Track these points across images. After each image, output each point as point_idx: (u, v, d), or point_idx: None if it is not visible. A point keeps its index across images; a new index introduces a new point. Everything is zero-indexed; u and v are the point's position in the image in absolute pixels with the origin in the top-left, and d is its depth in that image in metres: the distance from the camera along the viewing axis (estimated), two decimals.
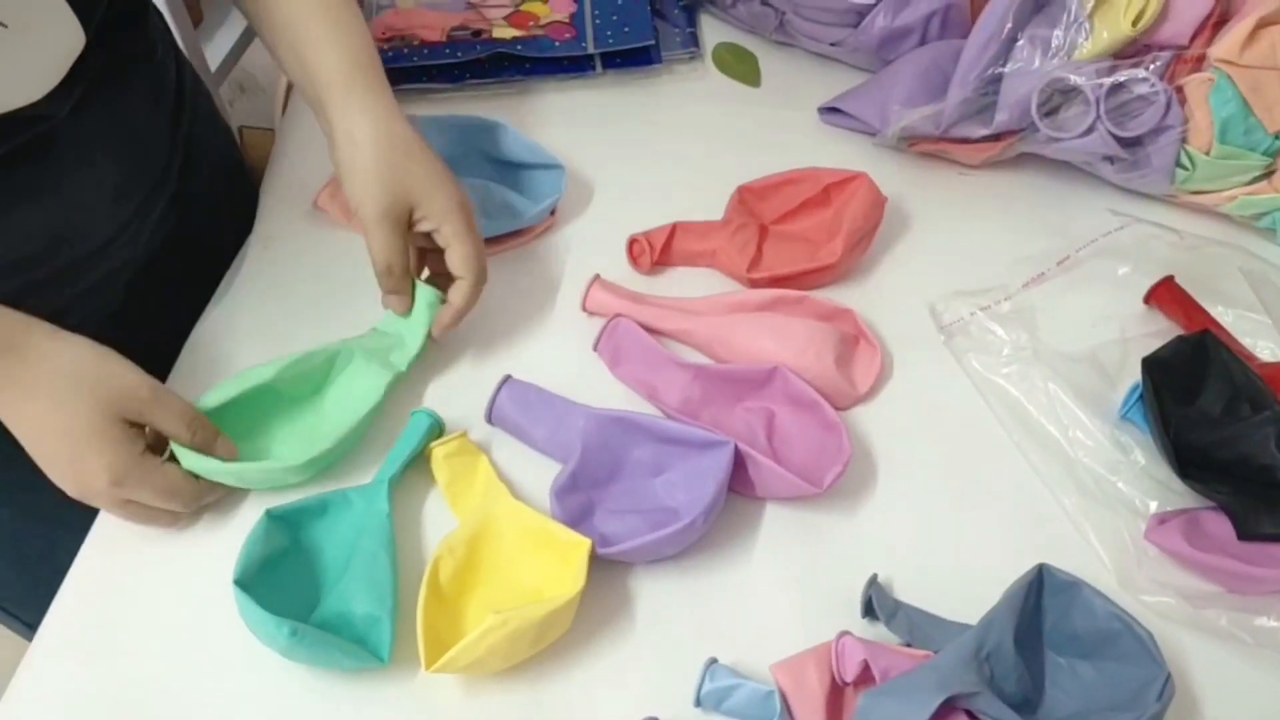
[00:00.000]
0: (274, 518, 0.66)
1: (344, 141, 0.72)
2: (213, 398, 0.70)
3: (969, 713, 0.57)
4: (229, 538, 0.68)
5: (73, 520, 0.70)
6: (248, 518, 0.68)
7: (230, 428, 0.70)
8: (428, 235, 0.74)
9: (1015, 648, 0.60)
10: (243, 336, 0.79)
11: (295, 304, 0.81)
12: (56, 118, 0.69)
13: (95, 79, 0.71)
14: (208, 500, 0.70)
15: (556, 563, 0.65)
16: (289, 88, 1.05)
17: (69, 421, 0.63)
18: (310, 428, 0.73)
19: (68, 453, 0.64)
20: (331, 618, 0.64)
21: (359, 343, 0.75)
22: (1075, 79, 0.83)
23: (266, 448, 0.72)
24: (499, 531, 0.67)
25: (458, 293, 0.74)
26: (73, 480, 0.65)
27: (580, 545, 0.64)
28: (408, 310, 0.75)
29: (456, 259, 0.73)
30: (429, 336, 0.75)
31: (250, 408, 0.71)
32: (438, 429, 0.73)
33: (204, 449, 0.67)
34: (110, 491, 0.65)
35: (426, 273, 0.78)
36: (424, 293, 0.76)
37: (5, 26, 0.62)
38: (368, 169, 0.71)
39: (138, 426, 0.66)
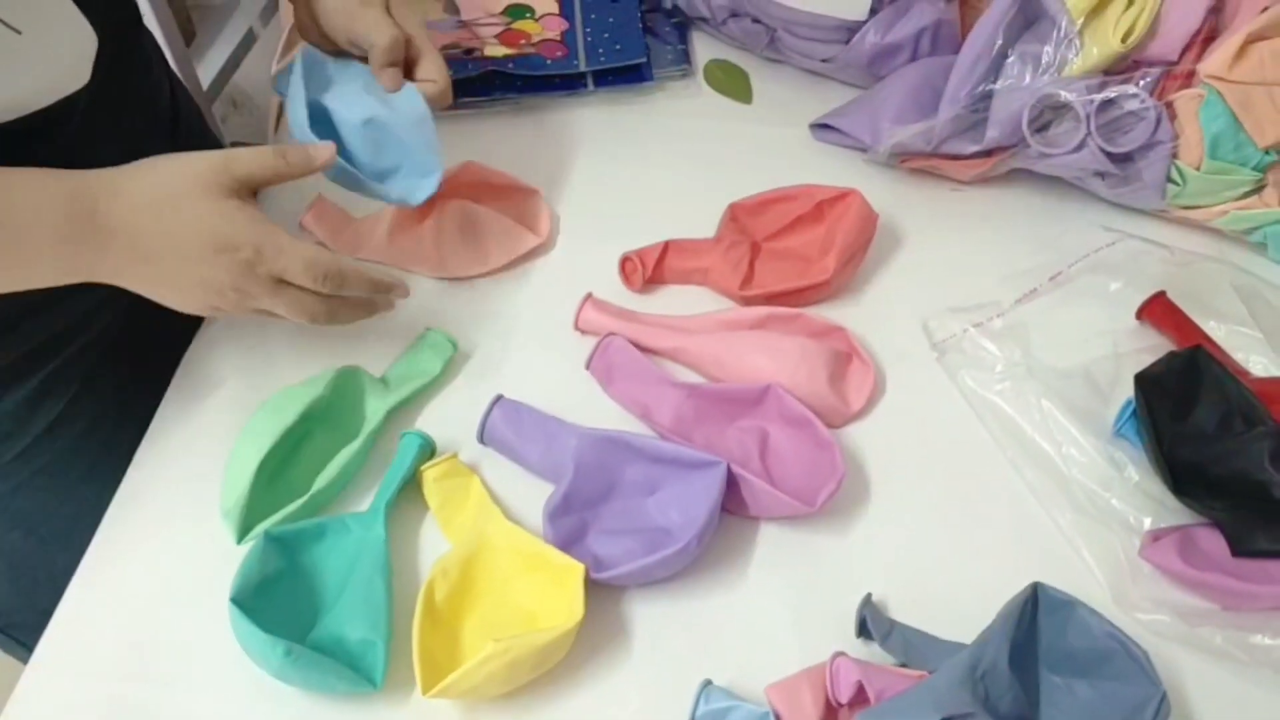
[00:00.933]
0: (272, 539, 0.65)
1: None
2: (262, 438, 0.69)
3: None
4: (224, 558, 0.67)
5: (77, 543, 0.70)
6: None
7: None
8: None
9: (1010, 667, 0.60)
10: (236, 357, 0.79)
11: (288, 323, 0.81)
12: (72, 127, 0.69)
13: (102, 88, 0.71)
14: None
15: (551, 586, 0.65)
16: (280, 105, 1.05)
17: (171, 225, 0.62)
18: (316, 452, 0.73)
19: (187, 259, 0.63)
20: (326, 641, 0.64)
21: (367, 377, 0.76)
22: (1066, 95, 0.83)
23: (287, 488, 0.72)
24: (492, 554, 0.67)
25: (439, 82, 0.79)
26: (199, 285, 0.64)
27: (574, 569, 0.64)
28: (399, 85, 0.78)
29: (432, 66, 0.79)
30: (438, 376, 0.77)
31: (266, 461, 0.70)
32: (429, 450, 0.73)
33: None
34: (241, 282, 0.63)
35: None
36: (434, 336, 0.77)
37: (19, 32, 0.63)
38: None
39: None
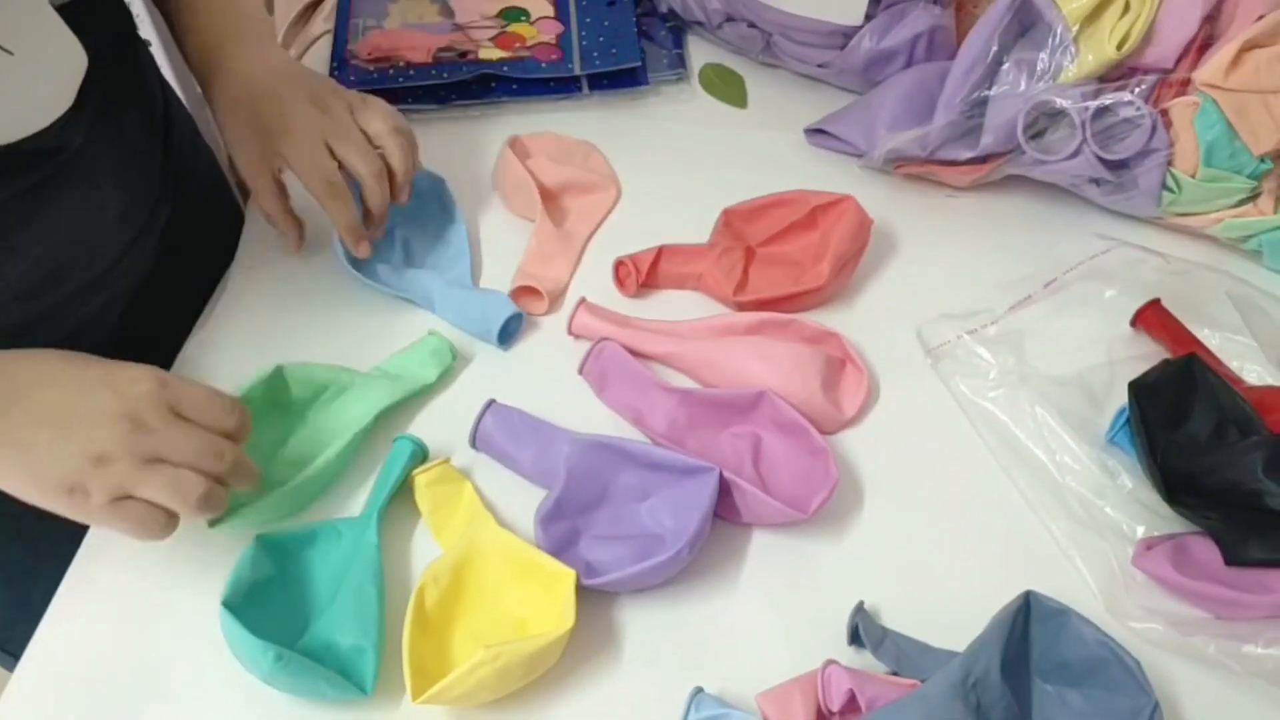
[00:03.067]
0: (264, 544, 0.65)
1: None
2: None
3: None
4: (213, 567, 0.67)
5: (60, 550, 0.69)
6: (230, 544, 0.67)
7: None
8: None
9: (1002, 676, 0.59)
10: (228, 359, 0.79)
11: (280, 324, 0.81)
12: (70, 146, 0.68)
13: (97, 104, 0.71)
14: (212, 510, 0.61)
15: (542, 593, 0.65)
16: None
17: (57, 403, 0.58)
18: (298, 446, 0.73)
19: (52, 434, 0.57)
20: (316, 647, 0.64)
21: (358, 375, 0.75)
22: (1061, 102, 0.83)
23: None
24: (483, 560, 0.67)
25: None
26: (56, 471, 0.57)
27: (565, 576, 0.64)
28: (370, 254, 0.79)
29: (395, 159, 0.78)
30: (431, 384, 0.77)
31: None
32: (421, 455, 0.72)
33: (244, 432, 0.62)
34: (105, 474, 0.57)
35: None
36: (434, 341, 0.77)
37: (11, 54, 0.61)
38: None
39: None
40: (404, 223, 0.86)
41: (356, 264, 0.80)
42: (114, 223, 0.76)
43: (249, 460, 0.62)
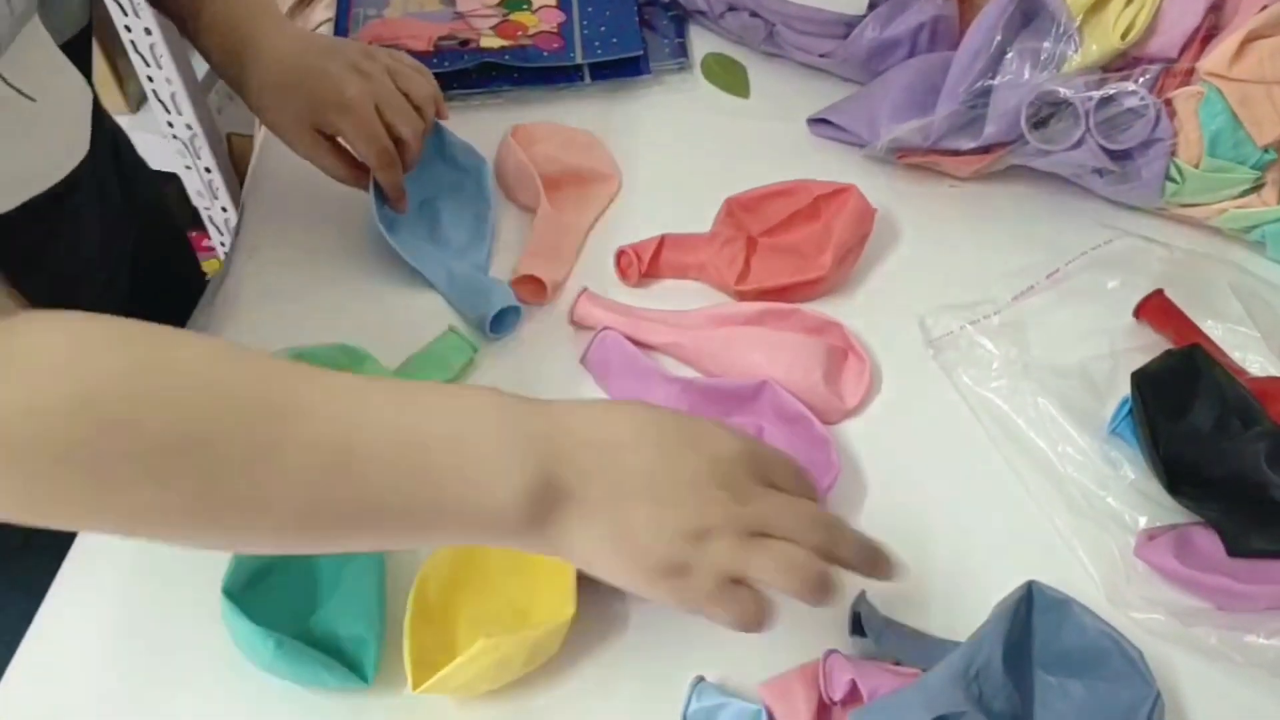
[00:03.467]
0: None
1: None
2: None
3: None
4: (211, 555, 0.67)
5: (26, 580, 0.68)
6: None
7: None
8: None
9: (1004, 666, 0.59)
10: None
11: (282, 313, 0.81)
12: (78, 189, 0.67)
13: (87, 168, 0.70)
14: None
15: (543, 582, 0.64)
16: None
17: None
18: None
19: (647, 507, 0.49)
20: (318, 635, 0.64)
21: (379, 367, 0.76)
22: (1064, 92, 0.82)
23: None
24: (484, 550, 0.67)
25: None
26: (657, 550, 0.49)
27: (566, 566, 0.64)
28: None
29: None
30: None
31: None
32: None
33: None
34: (711, 552, 0.49)
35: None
36: (453, 339, 0.77)
37: (34, 100, 0.60)
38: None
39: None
40: (443, 194, 0.87)
41: (389, 226, 0.81)
42: (94, 265, 0.75)
43: (867, 540, 0.53)
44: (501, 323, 0.79)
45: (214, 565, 0.63)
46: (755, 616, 0.50)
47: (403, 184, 0.80)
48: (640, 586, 0.50)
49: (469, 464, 0.48)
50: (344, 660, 0.62)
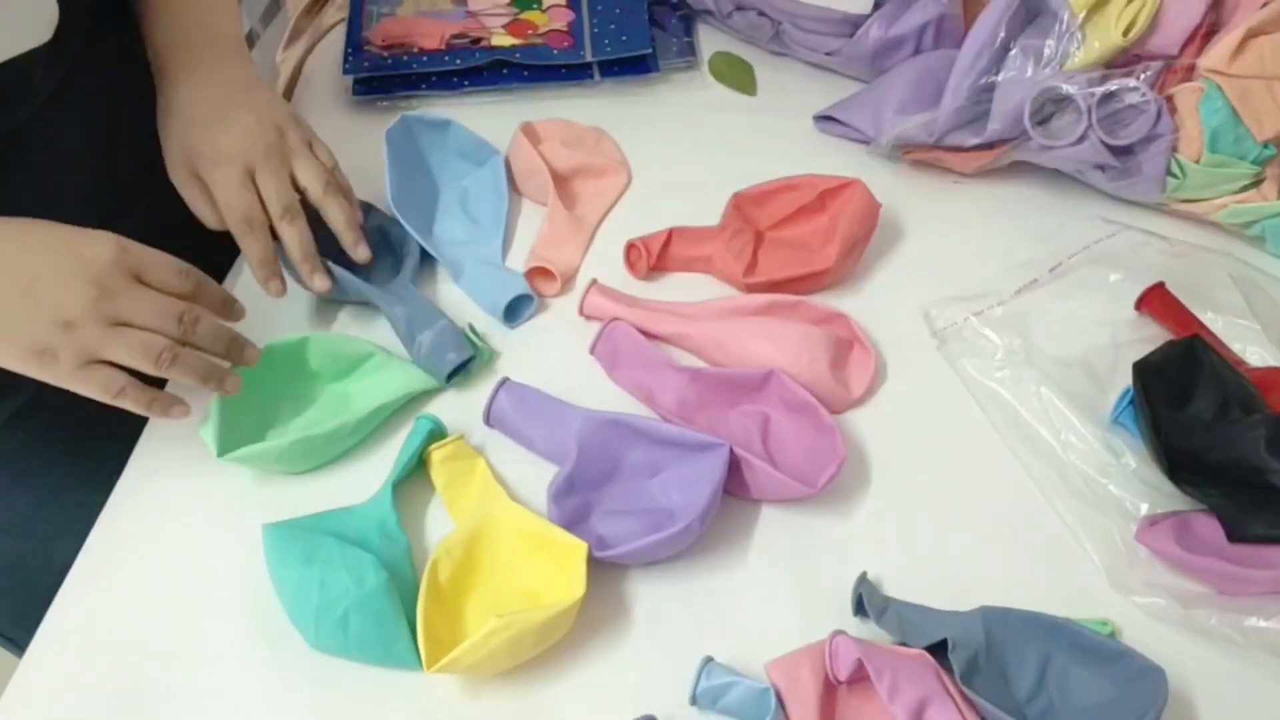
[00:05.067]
0: (279, 534, 0.66)
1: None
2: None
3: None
4: (228, 541, 0.69)
5: (45, 531, 0.70)
6: (245, 520, 0.69)
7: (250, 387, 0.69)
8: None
9: (1022, 622, 0.62)
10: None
11: (287, 313, 0.81)
12: (38, 94, 0.67)
13: (75, 69, 0.70)
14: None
15: (554, 565, 0.66)
16: (283, 92, 1.05)
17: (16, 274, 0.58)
18: (325, 408, 0.75)
19: (18, 300, 0.58)
20: None
21: (396, 359, 0.77)
22: (1067, 88, 0.84)
23: (275, 419, 0.74)
24: (496, 533, 0.68)
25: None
26: (25, 336, 0.58)
27: (577, 548, 0.65)
28: (284, 293, 0.75)
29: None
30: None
31: (273, 371, 0.73)
32: (439, 434, 0.73)
33: (202, 299, 0.64)
34: (72, 339, 0.58)
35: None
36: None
37: None
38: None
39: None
40: (459, 187, 0.89)
41: (408, 215, 0.82)
42: (86, 193, 0.75)
43: (221, 325, 0.64)
44: (515, 312, 0.80)
45: (227, 550, 0.64)
46: (117, 389, 0.60)
47: (270, 254, 0.73)
48: (12, 365, 0.59)
49: None
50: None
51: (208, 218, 0.74)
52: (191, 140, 0.73)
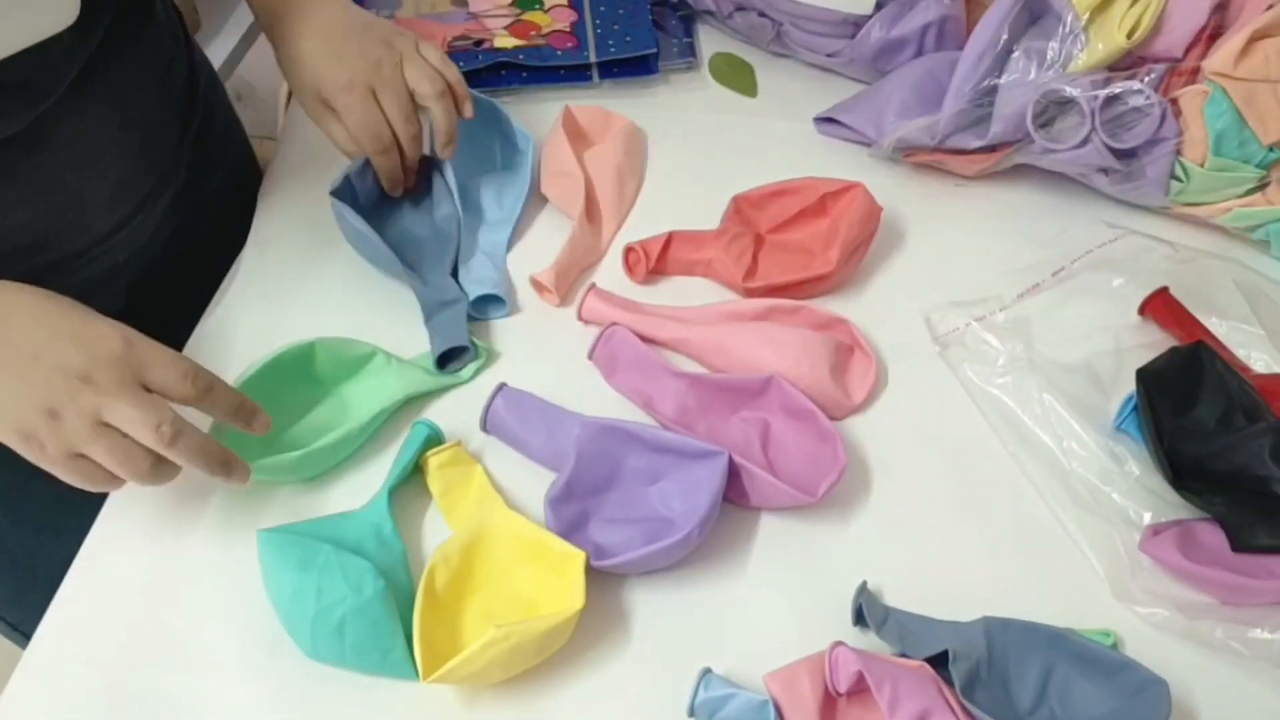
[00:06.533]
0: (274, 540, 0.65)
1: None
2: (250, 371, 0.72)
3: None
4: (226, 541, 0.68)
5: (63, 525, 0.70)
6: (243, 523, 0.68)
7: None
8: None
9: (1023, 632, 0.62)
10: (238, 344, 0.79)
11: (292, 311, 0.81)
12: (64, 80, 0.67)
13: (98, 58, 0.70)
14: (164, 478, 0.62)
15: (551, 574, 0.65)
16: (289, 95, 1.04)
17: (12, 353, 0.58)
18: (324, 414, 0.75)
19: (11, 379, 0.58)
20: None
21: (396, 359, 0.77)
22: (1070, 91, 0.83)
23: (280, 428, 0.73)
24: (493, 541, 0.67)
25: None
26: (12, 416, 0.58)
27: (575, 557, 0.64)
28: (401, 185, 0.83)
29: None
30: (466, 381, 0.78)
31: (279, 382, 0.73)
32: (436, 440, 0.73)
33: (209, 404, 0.62)
34: (56, 429, 0.58)
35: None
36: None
37: None
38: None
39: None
40: (494, 167, 0.91)
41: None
42: (111, 190, 0.75)
43: (204, 439, 0.61)
44: (483, 309, 0.82)
45: (224, 554, 0.64)
46: (99, 483, 0.60)
47: (398, 171, 0.81)
48: (6, 441, 0.59)
49: None
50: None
51: (343, 142, 0.80)
52: (318, 74, 0.77)
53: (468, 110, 0.82)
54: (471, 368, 0.78)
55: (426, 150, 0.84)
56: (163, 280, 0.83)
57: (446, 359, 0.77)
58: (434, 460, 0.71)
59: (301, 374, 0.74)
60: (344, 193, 0.80)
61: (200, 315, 0.82)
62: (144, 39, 0.79)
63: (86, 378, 0.58)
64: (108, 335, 0.60)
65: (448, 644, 0.63)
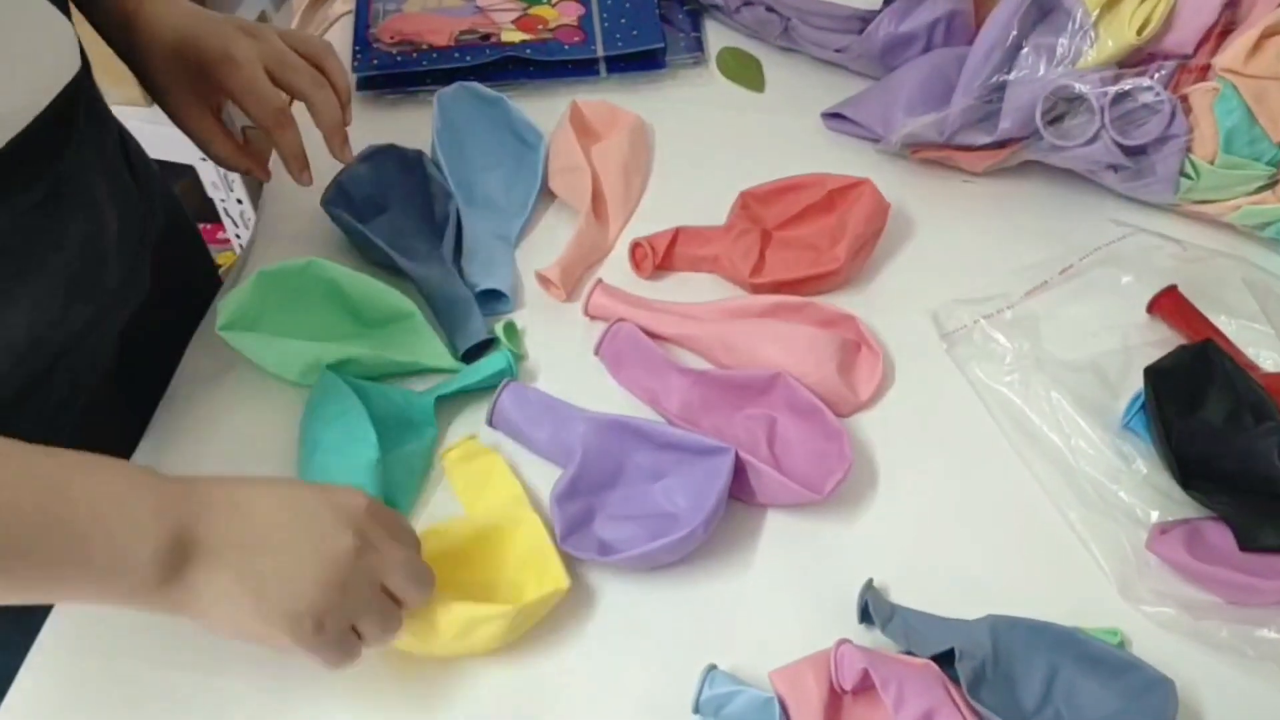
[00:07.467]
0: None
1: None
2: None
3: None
4: None
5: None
6: None
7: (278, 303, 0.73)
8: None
9: (1028, 632, 0.62)
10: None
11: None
12: (65, 155, 0.66)
13: (81, 117, 0.68)
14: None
15: (523, 556, 0.65)
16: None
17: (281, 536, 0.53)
18: (342, 340, 0.77)
19: (282, 561, 0.52)
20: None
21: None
22: (1080, 87, 0.82)
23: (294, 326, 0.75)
24: (498, 532, 0.67)
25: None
26: (287, 601, 0.51)
27: (556, 579, 0.63)
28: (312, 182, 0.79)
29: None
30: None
31: (313, 284, 0.75)
32: (509, 374, 0.74)
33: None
34: (344, 602, 0.53)
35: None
36: (498, 358, 0.76)
37: None
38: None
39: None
40: (505, 161, 0.90)
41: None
42: (115, 242, 0.73)
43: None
44: (488, 303, 0.81)
45: None
46: (355, 657, 0.55)
47: (301, 149, 0.77)
48: (263, 636, 0.52)
49: (109, 519, 0.49)
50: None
51: (224, 152, 0.77)
52: (198, 59, 0.72)
53: (349, 114, 0.79)
54: (507, 358, 0.76)
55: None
56: (144, 326, 0.79)
57: (468, 356, 0.77)
58: (450, 455, 0.72)
59: (334, 291, 0.76)
60: (337, 199, 0.81)
61: (177, 358, 0.80)
62: (95, 88, 0.74)
63: (362, 541, 0.54)
64: (350, 492, 0.56)
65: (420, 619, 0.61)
